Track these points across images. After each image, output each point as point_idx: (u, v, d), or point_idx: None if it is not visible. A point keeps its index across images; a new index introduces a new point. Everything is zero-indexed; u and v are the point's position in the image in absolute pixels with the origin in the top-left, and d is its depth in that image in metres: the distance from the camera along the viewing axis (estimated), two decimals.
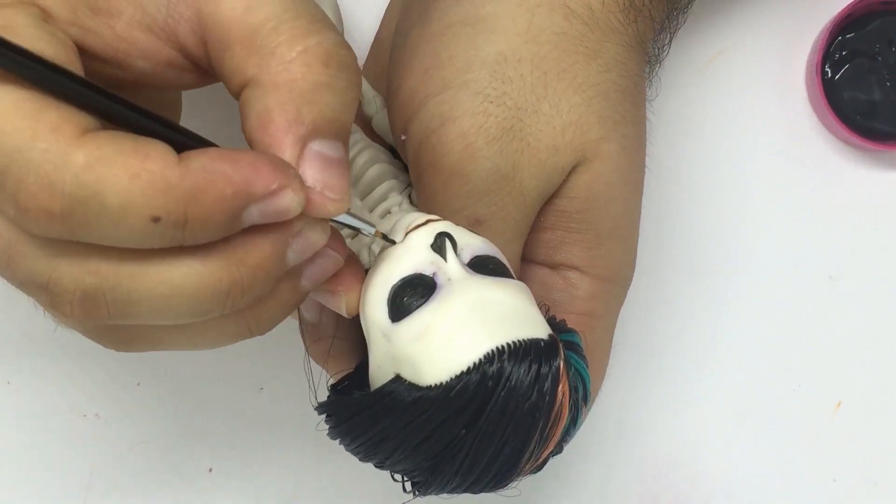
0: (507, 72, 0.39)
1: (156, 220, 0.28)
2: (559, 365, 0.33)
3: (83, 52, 0.31)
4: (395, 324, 0.34)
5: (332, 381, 0.39)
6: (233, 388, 0.55)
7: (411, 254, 0.35)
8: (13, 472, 0.55)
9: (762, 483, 0.55)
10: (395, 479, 0.37)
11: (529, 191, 0.40)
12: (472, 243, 0.36)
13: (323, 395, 0.37)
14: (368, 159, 0.42)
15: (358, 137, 0.44)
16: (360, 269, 0.36)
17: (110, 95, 0.30)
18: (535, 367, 0.33)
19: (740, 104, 0.55)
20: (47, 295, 0.31)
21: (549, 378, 0.33)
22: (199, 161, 0.29)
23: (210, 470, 0.55)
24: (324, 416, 0.36)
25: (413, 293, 0.34)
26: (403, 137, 0.41)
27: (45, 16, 0.30)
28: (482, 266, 0.35)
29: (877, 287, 0.55)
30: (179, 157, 0.29)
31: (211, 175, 0.29)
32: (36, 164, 0.28)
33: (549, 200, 0.41)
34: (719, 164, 0.55)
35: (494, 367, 0.32)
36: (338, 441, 0.36)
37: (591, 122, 0.40)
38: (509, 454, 0.33)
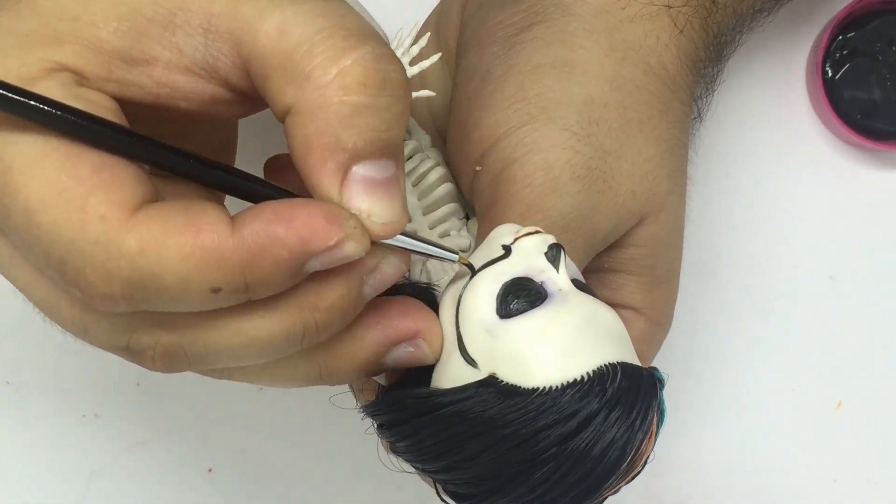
0: (594, 114, 0.40)
1: (216, 290, 0.29)
2: (659, 399, 0.33)
3: (124, 104, 0.31)
4: (506, 320, 0.33)
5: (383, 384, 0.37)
6: (233, 388, 0.54)
7: (525, 256, 0.34)
8: (13, 472, 0.55)
9: (762, 483, 0.55)
10: (439, 494, 0.35)
11: (599, 232, 0.40)
12: (571, 265, 0.35)
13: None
14: (441, 177, 0.43)
15: (435, 154, 0.44)
16: (427, 308, 0.34)
17: (160, 146, 0.30)
18: (642, 393, 0.33)
19: (740, 104, 0.55)
20: (129, 354, 0.32)
21: (650, 411, 0.33)
22: (251, 227, 0.29)
23: (210, 470, 0.55)
24: (387, 408, 0.35)
25: (527, 294, 0.33)
26: (478, 168, 0.40)
27: (79, 79, 0.30)
28: (580, 288, 0.35)
29: (877, 287, 0.55)
30: (233, 220, 0.29)
31: (265, 240, 0.29)
32: (89, 255, 0.28)
33: (614, 248, 0.41)
34: (719, 163, 0.55)
35: (609, 384, 0.32)
36: (400, 441, 0.34)
37: (664, 174, 0.41)
38: (594, 481, 0.32)
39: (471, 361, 0.33)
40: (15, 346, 0.54)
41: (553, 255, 0.34)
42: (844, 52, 0.53)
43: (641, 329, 0.43)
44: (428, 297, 0.36)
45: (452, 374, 0.34)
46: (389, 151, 0.31)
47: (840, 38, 0.53)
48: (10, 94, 0.28)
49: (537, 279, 0.34)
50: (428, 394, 0.34)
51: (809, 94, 0.55)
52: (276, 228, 0.29)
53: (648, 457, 0.34)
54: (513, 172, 0.39)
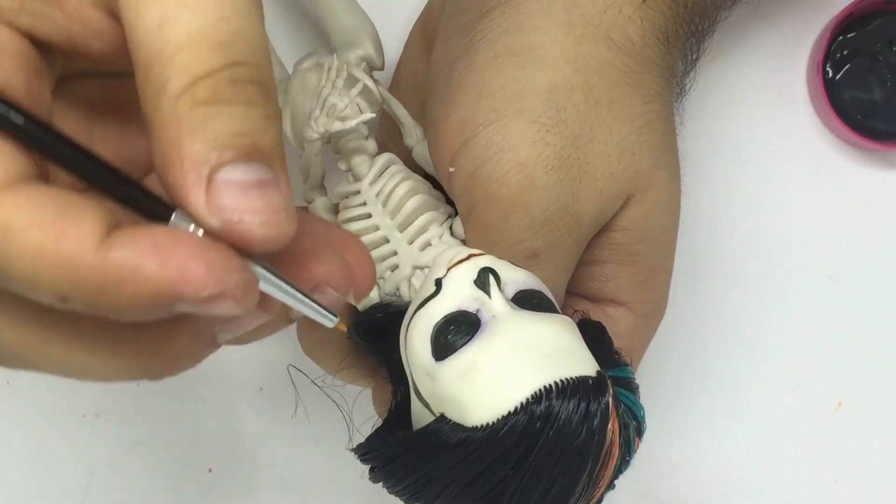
0: (559, 100, 0.39)
1: (63, 299, 0.26)
2: (608, 402, 0.33)
3: (37, 43, 0.29)
4: (439, 362, 0.34)
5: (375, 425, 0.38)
6: (233, 388, 0.55)
7: (454, 290, 0.34)
8: (13, 472, 0.55)
9: (762, 483, 0.55)
10: None
11: (585, 219, 0.39)
12: (515, 277, 0.35)
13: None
14: (408, 190, 0.42)
15: (397, 168, 0.43)
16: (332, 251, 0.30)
17: (54, 134, 0.27)
18: (583, 405, 0.32)
19: (740, 104, 0.55)
20: None
21: (598, 416, 0.33)
22: (121, 252, 0.26)
23: (210, 470, 0.55)
24: (365, 457, 0.36)
25: (457, 331, 0.34)
26: (451, 170, 0.40)
27: None
28: (526, 301, 0.35)
29: (877, 287, 0.55)
30: (106, 239, 0.26)
31: (129, 272, 0.26)
32: None
33: (603, 233, 0.41)
34: (719, 163, 0.55)
35: (542, 407, 0.32)
36: (381, 483, 0.36)
37: (643, 150, 0.40)
38: (557, 495, 0.33)
39: (424, 403, 0.34)
40: None
41: (482, 281, 0.34)
42: (845, 53, 0.53)
43: (629, 326, 0.42)
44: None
45: (417, 415, 0.35)
46: (257, 155, 0.28)
47: (840, 38, 0.53)
48: None
49: (472, 309, 0.34)
50: (395, 439, 0.35)
51: (810, 94, 0.55)
52: (147, 261, 0.26)
53: (620, 465, 0.34)
54: (486, 172, 0.38)
